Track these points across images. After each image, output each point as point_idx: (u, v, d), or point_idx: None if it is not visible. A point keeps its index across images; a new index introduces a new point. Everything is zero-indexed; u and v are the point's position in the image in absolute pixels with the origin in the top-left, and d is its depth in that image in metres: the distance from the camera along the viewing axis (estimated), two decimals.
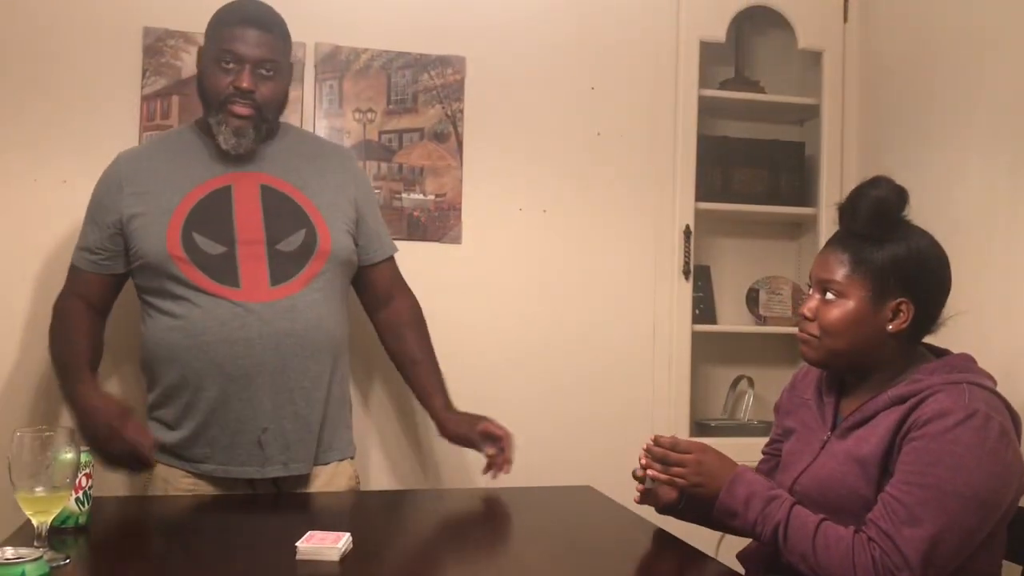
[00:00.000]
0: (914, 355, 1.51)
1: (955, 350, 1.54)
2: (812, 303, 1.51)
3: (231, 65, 1.86)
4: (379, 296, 2.10)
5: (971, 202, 2.17)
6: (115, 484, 2.17)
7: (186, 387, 1.85)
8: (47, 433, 1.30)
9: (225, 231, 1.87)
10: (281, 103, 1.96)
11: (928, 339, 1.55)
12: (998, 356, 2.01)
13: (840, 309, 1.47)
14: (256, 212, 1.89)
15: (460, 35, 2.47)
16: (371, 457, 2.40)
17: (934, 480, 1.33)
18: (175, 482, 1.88)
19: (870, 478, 1.42)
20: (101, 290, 1.97)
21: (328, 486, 1.94)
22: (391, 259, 2.12)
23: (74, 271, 1.97)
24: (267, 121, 1.92)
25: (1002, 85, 2.10)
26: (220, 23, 1.90)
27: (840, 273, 1.48)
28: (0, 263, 2.21)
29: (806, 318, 1.52)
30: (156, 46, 2.29)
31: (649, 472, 1.56)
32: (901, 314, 1.46)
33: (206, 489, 1.87)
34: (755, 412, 2.69)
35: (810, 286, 1.55)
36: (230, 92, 1.86)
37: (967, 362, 1.49)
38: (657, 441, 1.56)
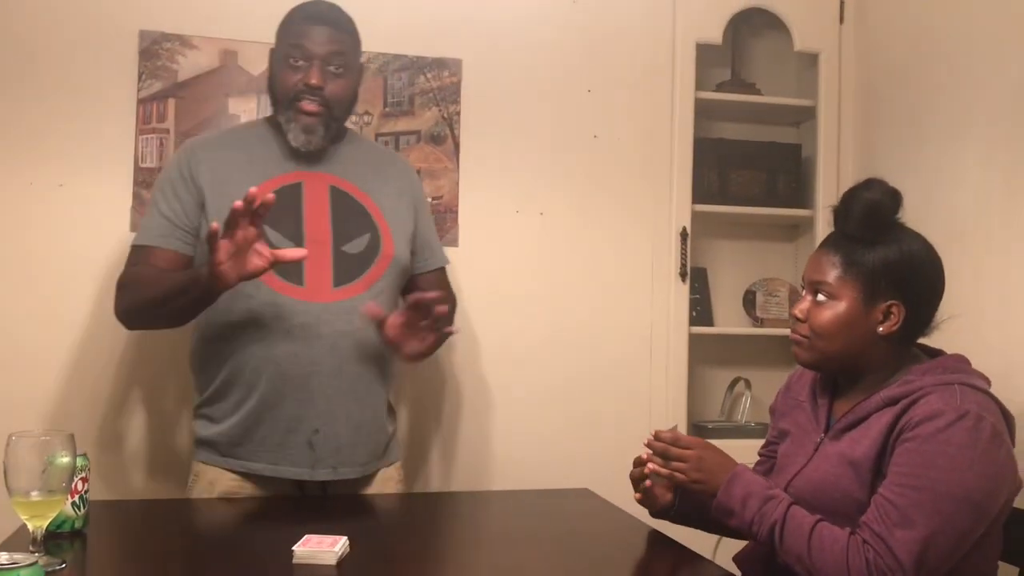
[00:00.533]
0: (907, 357, 1.51)
1: (952, 351, 1.54)
2: (804, 304, 1.52)
3: (300, 62, 1.86)
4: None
5: (967, 204, 2.17)
6: (113, 488, 2.17)
7: (240, 382, 1.84)
8: (43, 437, 1.30)
9: (293, 228, 1.86)
10: (351, 102, 1.95)
11: (925, 341, 1.55)
12: (996, 357, 2.01)
13: (831, 311, 1.48)
14: (324, 212, 1.90)
15: (457, 38, 2.47)
16: None
17: (927, 482, 1.33)
18: (220, 484, 1.87)
19: (863, 481, 1.42)
20: (172, 267, 1.87)
21: (377, 492, 1.93)
22: (442, 270, 2.11)
23: (140, 252, 1.89)
24: (336, 120, 1.91)
25: (998, 87, 2.10)
26: (290, 21, 1.91)
27: (832, 275, 1.48)
28: None
29: (798, 319, 1.52)
30: (152, 49, 2.29)
31: (649, 465, 1.55)
32: (892, 316, 1.46)
33: (251, 491, 1.86)
34: (752, 414, 2.69)
35: (803, 288, 1.55)
36: (299, 89, 1.86)
37: (960, 363, 1.49)
38: (658, 436, 1.55)
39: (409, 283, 2.03)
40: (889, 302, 1.46)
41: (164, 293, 1.79)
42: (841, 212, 1.50)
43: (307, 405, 1.83)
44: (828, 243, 1.52)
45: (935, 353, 1.54)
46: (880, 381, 1.49)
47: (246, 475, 1.86)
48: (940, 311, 1.51)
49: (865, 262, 1.46)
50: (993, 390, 1.45)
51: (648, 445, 1.56)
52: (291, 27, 1.89)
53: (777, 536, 1.38)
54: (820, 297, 1.49)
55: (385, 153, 2.16)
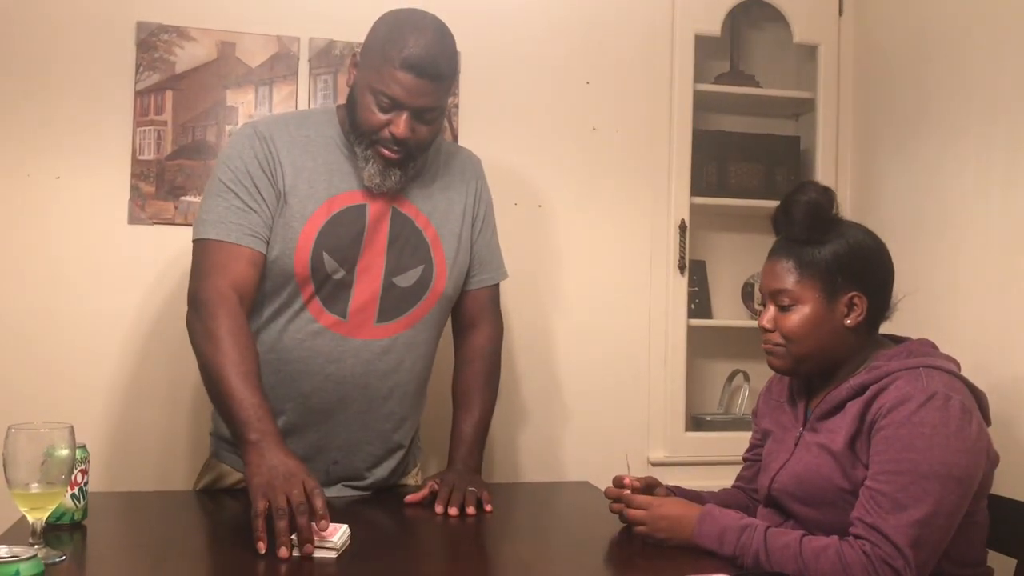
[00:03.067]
0: (874, 344, 1.55)
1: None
2: (769, 314, 1.55)
3: (389, 108, 1.68)
4: (464, 320, 1.97)
5: (966, 195, 2.17)
6: (114, 480, 2.17)
7: None
8: (42, 429, 1.30)
9: (350, 255, 1.75)
10: (434, 140, 1.79)
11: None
12: (999, 346, 2.01)
13: (798, 315, 1.51)
14: (382, 239, 1.77)
15: (455, 29, 2.44)
16: None
17: (908, 465, 1.35)
18: (230, 479, 1.86)
19: (843, 468, 1.45)
20: (255, 272, 1.70)
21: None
22: (492, 288, 1.98)
23: (219, 249, 1.68)
24: (415, 160, 1.76)
25: (997, 78, 2.10)
26: (385, 59, 1.66)
27: (790, 280, 1.52)
28: None
29: (766, 329, 1.55)
30: (149, 41, 2.28)
31: (615, 506, 1.59)
32: (856, 307, 1.51)
33: None
34: (751, 406, 2.68)
35: (762, 302, 1.58)
36: (383, 136, 1.70)
37: (925, 347, 1.53)
38: (616, 482, 1.61)
39: (458, 299, 1.94)
40: (850, 294, 1.50)
41: (215, 384, 1.59)
42: (782, 219, 1.54)
43: (329, 437, 1.80)
44: (778, 251, 1.56)
45: (902, 341, 1.57)
46: (851, 372, 1.53)
47: None
48: (895, 292, 1.56)
49: (818, 261, 1.50)
50: (1004, 384, 1.47)
51: (607, 494, 1.62)
52: (387, 66, 1.66)
53: (764, 561, 1.39)
54: (784, 303, 1.52)
55: (455, 162, 1.92)
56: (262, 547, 1.36)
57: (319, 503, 1.40)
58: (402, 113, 1.68)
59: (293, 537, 1.36)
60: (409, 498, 1.77)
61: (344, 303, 1.75)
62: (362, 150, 1.73)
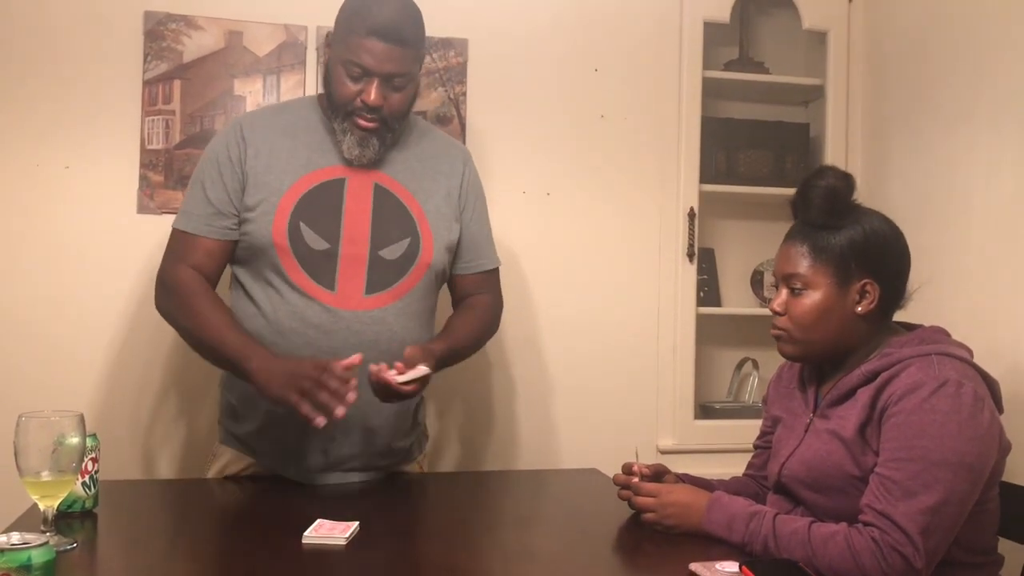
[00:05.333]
0: (886, 332, 1.54)
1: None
2: (781, 298, 1.54)
3: (360, 76, 1.75)
4: (464, 295, 2.00)
5: (976, 181, 2.16)
6: (124, 468, 2.19)
7: None
8: (53, 417, 1.31)
9: (332, 227, 1.79)
10: (408, 110, 1.85)
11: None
12: (1009, 334, 2.01)
13: (809, 300, 1.51)
14: (366, 212, 1.81)
15: (462, 17, 2.46)
16: None
17: (920, 452, 1.35)
18: (234, 467, 1.87)
19: (853, 454, 1.44)
20: (219, 260, 1.82)
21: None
22: (489, 272, 2.01)
23: (184, 239, 1.81)
24: (392, 131, 1.82)
25: (1009, 64, 2.08)
26: (351, 30, 1.75)
27: (803, 265, 1.51)
28: (2, 247, 2.21)
29: (777, 313, 1.55)
30: (157, 30, 2.28)
31: (623, 492, 1.59)
32: (868, 295, 1.50)
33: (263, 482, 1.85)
34: (759, 394, 2.69)
35: (775, 285, 1.57)
36: (357, 105, 1.76)
37: (937, 334, 1.52)
38: (625, 469, 1.61)
39: (453, 282, 1.98)
40: (863, 281, 1.49)
41: (202, 337, 1.75)
42: (800, 203, 1.53)
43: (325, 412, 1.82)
44: (793, 235, 1.55)
45: (914, 328, 1.56)
46: (862, 358, 1.52)
47: (264, 470, 1.86)
48: (911, 281, 1.54)
49: (833, 247, 1.49)
50: (1017, 371, 1.46)
51: (615, 480, 1.62)
52: (354, 36, 1.74)
53: (773, 549, 1.39)
54: (796, 288, 1.52)
55: (439, 144, 1.98)
56: (321, 421, 1.57)
57: (333, 366, 1.59)
58: (372, 80, 1.75)
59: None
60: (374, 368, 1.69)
61: (331, 275, 1.79)
62: (339, 124, 1.80)
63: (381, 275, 1.82)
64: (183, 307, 1.78)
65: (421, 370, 1.67)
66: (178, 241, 1.83)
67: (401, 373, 1.66)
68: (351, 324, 1.78)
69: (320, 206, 1.79)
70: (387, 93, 1.76)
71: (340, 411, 1.56)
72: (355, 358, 1.64)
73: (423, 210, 1.87)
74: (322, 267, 1.78)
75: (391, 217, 1.83)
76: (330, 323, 1.77)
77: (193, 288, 1.78)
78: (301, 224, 1.77)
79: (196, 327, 1.76)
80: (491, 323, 2.02)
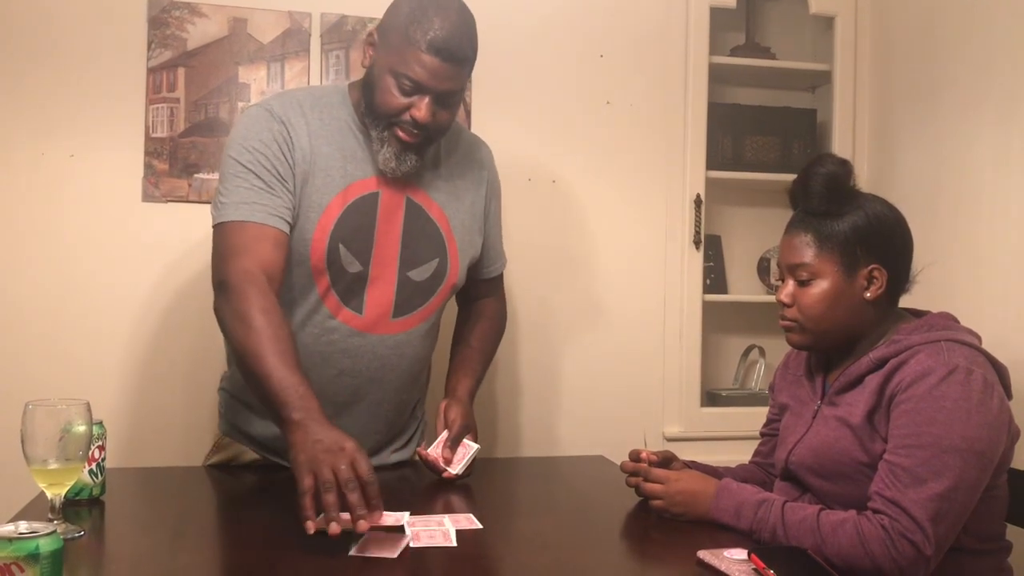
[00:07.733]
0: (894, 318, 1.53)
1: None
2: (788, 288, 1.53)
3: (411, 91, 1.63)
4: (471, 298, 1.99)
5: (984, 166, 2.15)
6: (131, 456, 2.19)
7: None
8: (59, 405, 1.31)
9: (364, 247, 1.71)
10: (451, 124, 1.75)
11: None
12: (1017, 318, 2.00)
13: (817, 289, 1.49)
14: (396, 231, 1.73)
15: (467, 2, 2.43)
16: None
17: (929, 439, 1.34)
18: (239, 460, 1.87)
19: (861, 441, 1.44)
20: (280, 253, 1.62)
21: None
22: (497, 277, 2.00)
23: (238, 231, 1.61)
24: (432, 143, 1.74)
25: (1018, 49, 2.07)
26: (408, 40, 1.61)
27: (808, 254, 1.50)
28: (7, 237, 2.21)
29: (785, 304, 1.54)
30: (161, 18, 2.27)
31: (631, 479, 1.58)
32: (875, 280, 1.49)
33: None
34: (766, 382, 2.68)
35: (780, 276, 1.56)
36: (403, 118, 1.65)
37: (946, 320, 1.51)
38: (633, 456, 1.60)
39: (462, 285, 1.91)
40: (870, 267, 1.48)
41: (252, 366, 1.50)
42: (800, 192, 1.52)
43: (341, 427, 1.78)
44: (796, 225, 1.54)
45: (922, 315, 1.55)
46: (870, 345, 1.51)
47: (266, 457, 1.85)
48: (915, 264, 1.53)
49: (837, 234, 1.48)
50: (1016, 356, 1.45)
51: (623, 467, 1.61)
52: (410, 48, 1.60)
53: (781, 536, 1.39)
54: (802, 278, 1.51)
55: (464, 147, 1.88)
56: (311, 527, 1.26)
57: (364, 471, 1.30)
58: (424, 97, 1.63)
59: (345, 516, 1.26)
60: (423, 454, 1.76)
61: (360, 298, 1.73)
62: (378, 132, 1.68)
63: (408, 298, 1.77)
64: (238, 316, 1.54)
65: (470, 449, 1.72)
66: (235, 235, 1.61)
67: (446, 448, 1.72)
68: (376, 348, 1.76)
69: (356, 224, 1.70)
70: (437, 110, 1.65)
71: (334, 528, 1.26)
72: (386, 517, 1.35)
73: (451, 226, 1.80)
74: (352, 290, 1.72)
75: (421, 236, 1.76)
76: (356, 347, 1.74)
77: (255, 292, 1.55)
78: (340, 246, 1.68)
79: (252, 347, 1.50)
80: (502, 332, 2.02)
